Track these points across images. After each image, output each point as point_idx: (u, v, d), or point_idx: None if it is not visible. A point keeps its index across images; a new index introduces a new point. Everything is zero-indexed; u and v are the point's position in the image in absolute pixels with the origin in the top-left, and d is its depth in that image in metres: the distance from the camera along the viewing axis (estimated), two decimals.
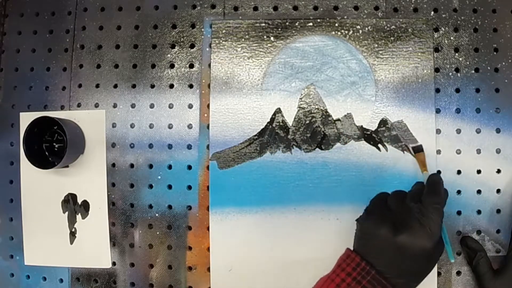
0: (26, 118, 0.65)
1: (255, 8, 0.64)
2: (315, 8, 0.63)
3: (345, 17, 0.62)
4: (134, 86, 0.65)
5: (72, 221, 0.64)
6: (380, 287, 0.46)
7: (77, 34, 0.67)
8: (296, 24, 0.63)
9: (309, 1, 0.63)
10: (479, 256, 0.57)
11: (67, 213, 0.64)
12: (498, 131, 0.60)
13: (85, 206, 0.64)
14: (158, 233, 0.63)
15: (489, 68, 0.61)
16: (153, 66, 0.65)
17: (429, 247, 0.47)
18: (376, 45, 0.62)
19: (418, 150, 0.59)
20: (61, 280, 0.64)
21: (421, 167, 0.57)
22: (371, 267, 0.47)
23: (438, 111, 0.61)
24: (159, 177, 0.64)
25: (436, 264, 0.58)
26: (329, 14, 0.63)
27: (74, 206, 0.64)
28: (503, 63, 0.61)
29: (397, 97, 0.61)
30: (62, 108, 0.66)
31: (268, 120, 0.62)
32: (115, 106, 0.65)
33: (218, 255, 0.61)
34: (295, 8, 0.64)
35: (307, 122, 0.62)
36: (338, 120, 0.61)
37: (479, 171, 0.60)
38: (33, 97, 0.67)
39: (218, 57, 0.63)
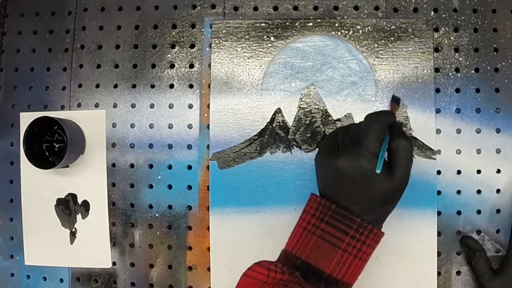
0: (26, 118, 0.65)
1: (255, 8, 0.64)
2: (315, 8, 0.63)
3: (345, 17, 0.62)
4: (134, 86, 0.65)
5: (72, 221, 0.64)
6: (342, 218, 0.46)
7: (77, 34, 0.66)
8: (296, 24, 0.63)
9: (309, 1, 0.63)
10: (479, 256, 0.57)
11: (63, 215, 0.64)
12: (498, 131, 0.60)
13: (85, 206, 0.64)
14: (158, 233, 0.63)
15: (489, 68, 0.61)
16: (153, 66, 0.65)
17: (366, 166, 0.45)
18: (376, 45, 0.62)
19: (396, 101, 0.57)
20: (61, 280, 0.65)
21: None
22: (331, 202, 0.47)
23: (438, 111, 0.61)
24: (159, 177, 0.64)
25: (436, 263, 0.59)
26: (329, 14, 0.63)
27: (74, 206, 0.64)
28: (503, 63, 0.61)
29: None
30: (62, 108, 0.66)
31: (268, 120, 0.62)
32: (115, 106, 0.65)
33: (218, 255, 0.61)
34: (295, 8, 0.64)
35: (307, 122, 0.62)
36: (338, 120, 0.61)
37: (479, 171, 0.60)
38: (33, 97, 0.67)
39: (218, 57, 0.63)
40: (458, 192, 0.60)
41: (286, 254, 0.49)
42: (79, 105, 0.66)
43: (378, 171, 0.45)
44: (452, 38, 0.61)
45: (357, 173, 0.45)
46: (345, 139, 0.48)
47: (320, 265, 0.46)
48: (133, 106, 0.65)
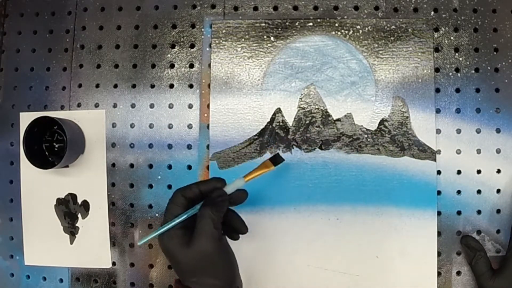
0: (26, 118, 0.65)
1: (255, 8, 0.64)
2: (315, 8, 0.63)
3: (345, 17, 0.62)
4: (134, 86, 0.65)
5: (72, 221, 0.64)
6: None
7: (77, 34, 0.67)
8: (296, 24, 0.63)
9: (309, 1, 0.63)
10: (479, 256, 0.57)
11: (62, 214, 0.64)
12: (498, 131, 0.60)
13: (85, 206, 0.64)
14: None
15: (489, 68, 0.61)
16: (153, 66, 0.65)
17: (162, 239, 0.48)
18: (376, 45, 0.62)
19: (275, 161, 0.55)
20: (61, 280, 0.64)
21: (254, 172, 0.54)
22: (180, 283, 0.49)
23: (438, 111, 0.61)
24: (159, 177, 0.64)
25: (436, 264, 0.59)
26: (329, 14, 0.63)
27: (74, 206, 0.64)
28: (503, 63, 0.61)
29: (397, 97, 0.61)
30: (62, 108, 0.66)
31: (268, 120, 0.62)
32: (115, 106, 0.65)
33: None
34: (295, 8, 0.64)
35: (307, 122, 0.62)
36: (338, 120, 0.61)
37: (479, 171, 0.60)
38: (33, 97, 0.67)
39: (218, 57, 0.63)
40: (458, 192, 0.60)
41: None
42: (79, 105, 0.66)
43: (139, 243, 0.51)
44: (452, 38, 0.61)
45: (161, 247, 0.49)
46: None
47: None
48: (133, 106, 0.65)
